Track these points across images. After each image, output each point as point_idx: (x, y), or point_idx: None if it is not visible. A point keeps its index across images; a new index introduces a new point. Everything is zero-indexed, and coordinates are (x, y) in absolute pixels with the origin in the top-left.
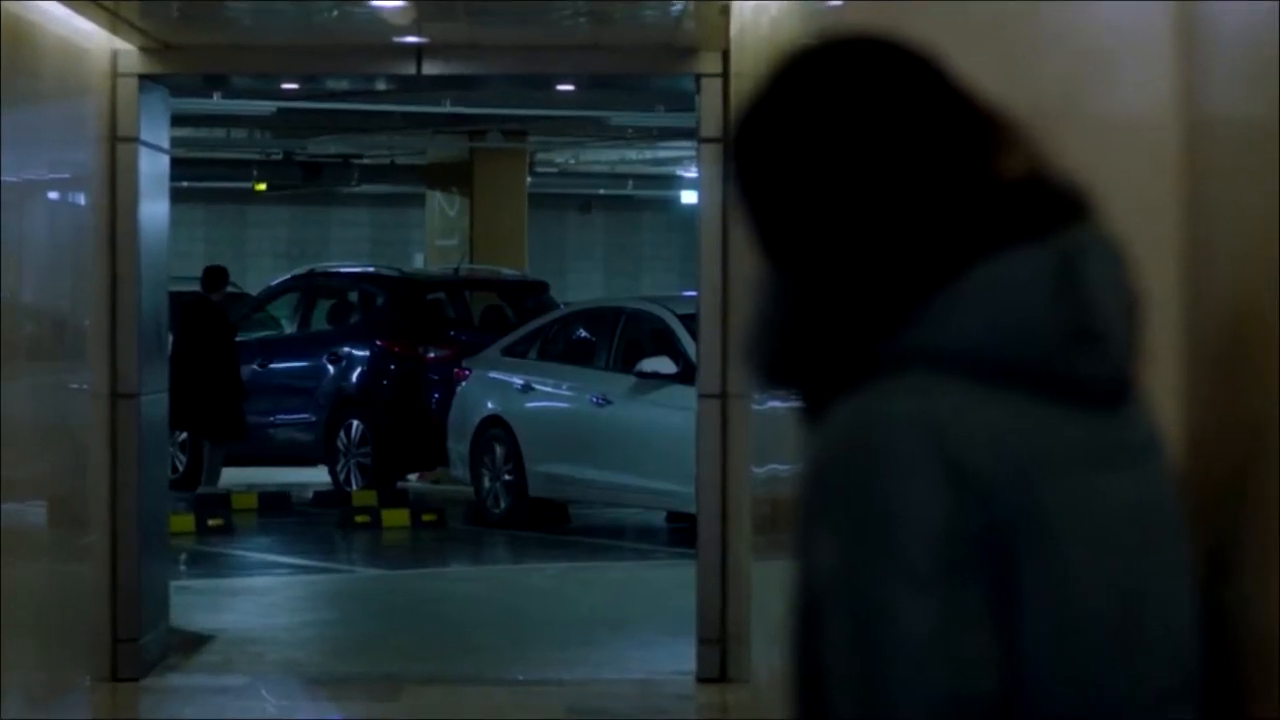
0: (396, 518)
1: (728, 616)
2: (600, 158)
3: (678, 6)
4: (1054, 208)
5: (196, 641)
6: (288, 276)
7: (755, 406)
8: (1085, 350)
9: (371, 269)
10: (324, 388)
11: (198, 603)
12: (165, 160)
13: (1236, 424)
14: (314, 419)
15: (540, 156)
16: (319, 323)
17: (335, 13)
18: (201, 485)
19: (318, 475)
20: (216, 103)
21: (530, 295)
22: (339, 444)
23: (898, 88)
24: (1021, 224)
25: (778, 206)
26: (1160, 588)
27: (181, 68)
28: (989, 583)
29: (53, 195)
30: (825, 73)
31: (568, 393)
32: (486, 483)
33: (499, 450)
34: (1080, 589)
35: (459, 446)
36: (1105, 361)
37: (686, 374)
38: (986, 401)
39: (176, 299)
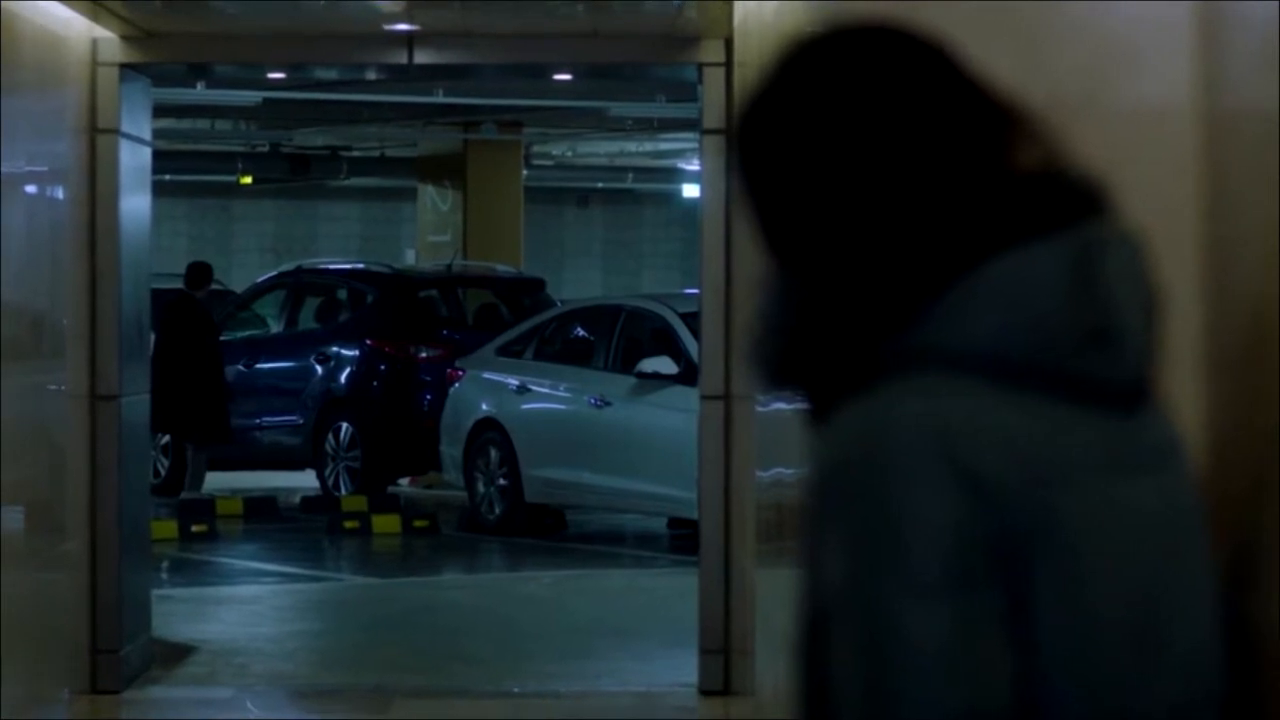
0: (387, 524)
1: (731, 626)
2: (599, 150)
3: None
4: (1070, 202)
5: (179, 652)
6: (274, 273)
7: (759, 408)
8: (1102, 350)
9: (361, 265)
10: (312, 389)
11: (180, 612)
12: (147, 153)
13: (1258, 427)
14: (301, 421)
15: (536, 149)
16: (307, 321)
17: None
18: (185, 490)
19: (305, 480)
20: (200, 93)
21: (526, 293)
22: (327, 447)
23: (908, 77)
24: (1037, 219)
25: (783, 200)
26: (1180, 597)
27: (164, 56)
28: (1002, 592)
29: (30, 189)
30: (833, 62)
31: (565, 394)
32: (481, 487)
33: (494, 454)
34: (1097, 598)
35: (452, 450)
36: (1123, 362)
37: (688, 375)
38: (999, 403)
39: (159, 297)
